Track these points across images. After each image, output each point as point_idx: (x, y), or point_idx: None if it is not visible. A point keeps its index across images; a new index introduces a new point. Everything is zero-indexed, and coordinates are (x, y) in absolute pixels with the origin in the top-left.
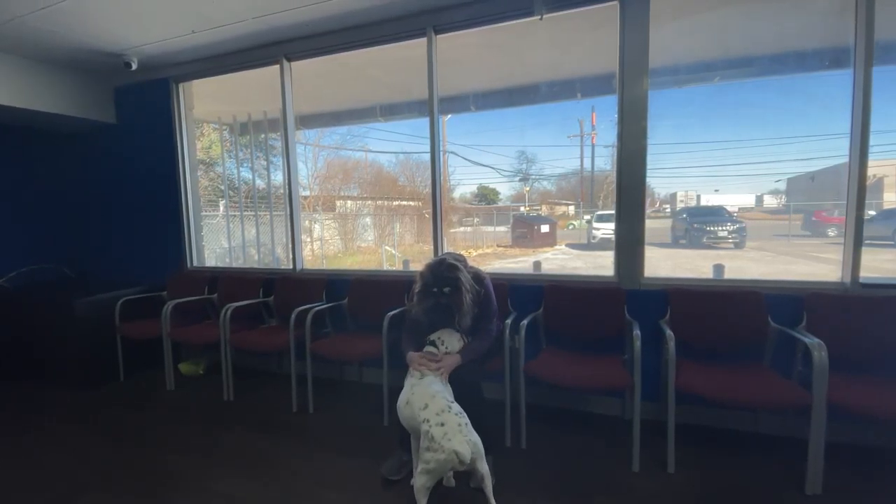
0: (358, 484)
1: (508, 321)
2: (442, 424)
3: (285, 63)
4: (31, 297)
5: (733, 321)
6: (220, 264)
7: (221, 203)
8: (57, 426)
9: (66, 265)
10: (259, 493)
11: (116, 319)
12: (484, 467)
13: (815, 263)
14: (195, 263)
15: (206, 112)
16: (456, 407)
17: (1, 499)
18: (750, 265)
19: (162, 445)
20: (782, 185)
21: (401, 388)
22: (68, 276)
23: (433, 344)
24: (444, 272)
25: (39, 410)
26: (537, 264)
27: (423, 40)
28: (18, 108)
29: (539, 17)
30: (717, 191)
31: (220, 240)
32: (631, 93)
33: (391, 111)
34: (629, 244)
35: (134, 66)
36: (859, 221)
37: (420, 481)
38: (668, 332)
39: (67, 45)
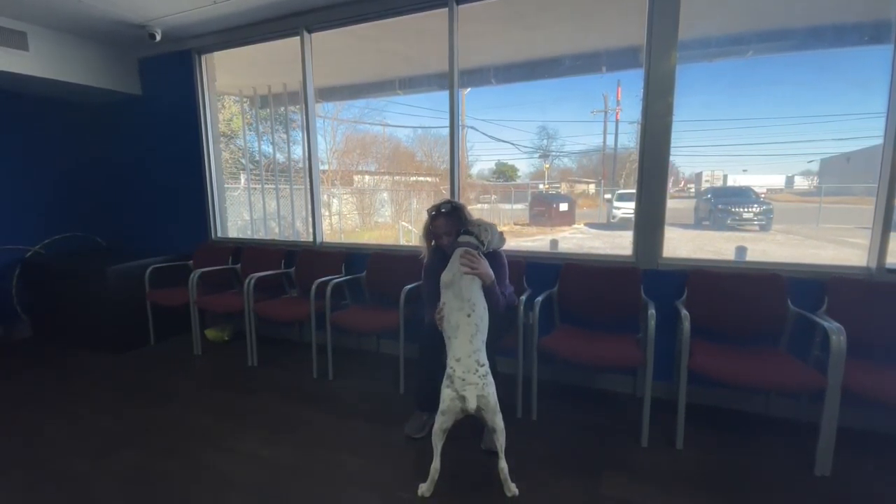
0: (375, 445)
1: (523, 297)
2: (463, 380)
3: (306, 34)
4: (66, 263)
5: (752, 304)
6: (241, 236)
7: (242, 176)
8: (92, 387)
9: (98, 234)
10: (281, 453)
11: (146, 286)
12: (499, 423)
13: (844, 248)
14: (219, 234)
15: (228, 85)
16: (483, 370)
17: (43, 452)
18: (774, 248)
19: (190, 407)
20: (815, 167)
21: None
22: (100, 245)
23: (468, 234)
24: (439, 205)
25: (76, 372)
26: (554, 243)
27: (445, 11)
28: (48, 78)
29: None
30: (745, 171)
31: (241, 212)
32: (658, 67)
33: (410, 84)
34: (649, 224)
35: (158, 38)
36: (889, 206)
37: (437, 424)
38: (684, 312)
39: (93, 16)
